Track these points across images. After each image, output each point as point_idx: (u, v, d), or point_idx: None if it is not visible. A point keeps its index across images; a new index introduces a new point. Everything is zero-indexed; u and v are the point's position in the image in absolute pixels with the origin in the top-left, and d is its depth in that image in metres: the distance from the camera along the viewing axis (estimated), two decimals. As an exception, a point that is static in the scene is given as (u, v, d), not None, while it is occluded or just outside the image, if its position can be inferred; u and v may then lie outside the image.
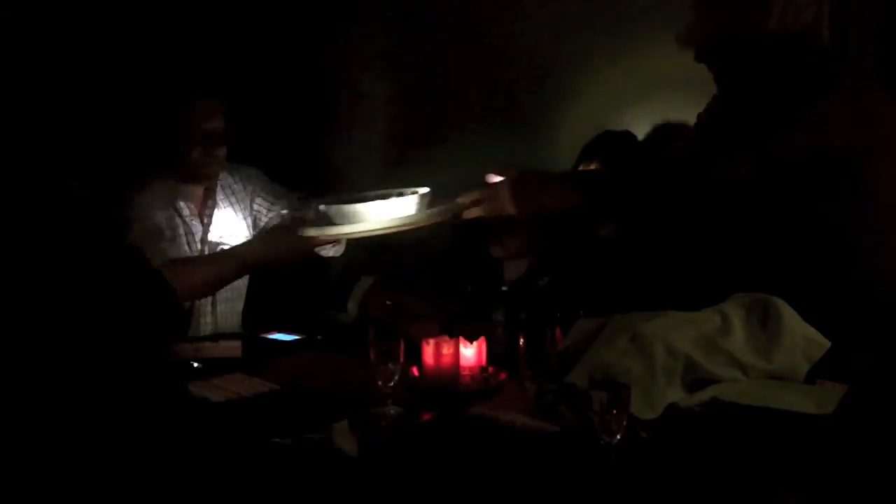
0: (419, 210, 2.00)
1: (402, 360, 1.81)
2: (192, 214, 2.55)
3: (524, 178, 2.19)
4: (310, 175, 3.43)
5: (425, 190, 2.04)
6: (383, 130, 3.50)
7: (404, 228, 1.96)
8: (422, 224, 1.96)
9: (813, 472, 1.47)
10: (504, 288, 2.49)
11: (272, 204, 2.69)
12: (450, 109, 3.34)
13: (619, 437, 1.46)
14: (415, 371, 1.96)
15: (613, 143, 2.53)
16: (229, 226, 2.62)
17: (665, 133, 2.71)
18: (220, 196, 2.62)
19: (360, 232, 1.95)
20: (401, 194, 2.04)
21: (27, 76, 2.65)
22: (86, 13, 2.90)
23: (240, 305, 2.68)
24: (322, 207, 2.06)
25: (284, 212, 2.60)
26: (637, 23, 2.88)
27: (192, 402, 1.80)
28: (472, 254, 2.55)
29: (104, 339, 1.72)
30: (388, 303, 2.44)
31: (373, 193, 2.07)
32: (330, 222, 2.03)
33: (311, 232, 2.01)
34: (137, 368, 1.74)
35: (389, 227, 1.94)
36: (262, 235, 2.53)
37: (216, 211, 2.60)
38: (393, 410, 1.76)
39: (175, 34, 3.11)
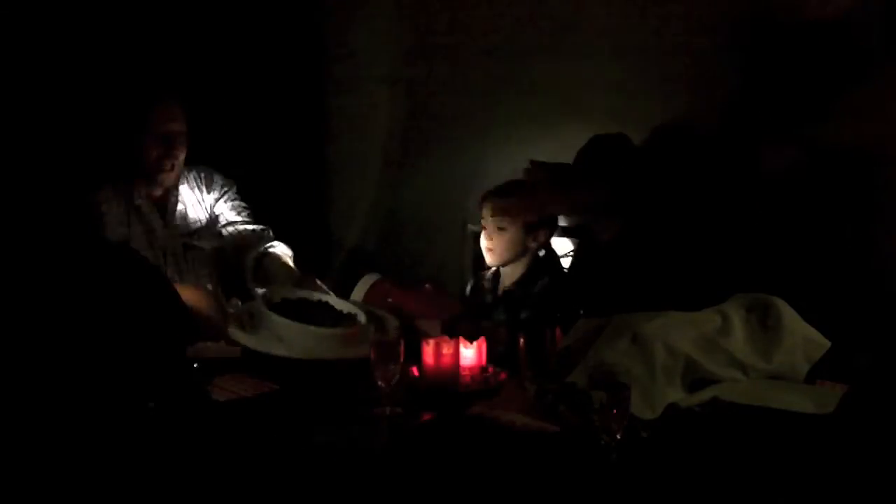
0: (348, 340, 1.98)
1: (402, 360, 1.81)
2: (150, 211, 2.60)
3: (565, 174, 2.16)
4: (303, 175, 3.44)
5: (363, 317, 2.04)
6: (382, 131, 3.50)
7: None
8: (348, 356, 1.90)
9: (813, 472, 1.47)
10: (504, 288, 2.49)
11: (229, 213, 2.71)
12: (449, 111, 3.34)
13: (619, 437, 1.46)
14: (415, 371, 1.96)
15: (608, 146, 2.53)
16: (190, 222, 2.65)
17: (666, 133, 2.70)
18: (181, 194, 2.66)
19: (281, 354, 1.90)
20: (339, 317, 2.05)
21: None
22: (52, 16, 2.92)
23: None
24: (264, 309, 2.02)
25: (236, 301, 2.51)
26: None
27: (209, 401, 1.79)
28: (474, 254, 2.55)
29: (119, 344, 1.73)
30: (389, 300, 2.45)
31: (315, 297, 2.10)
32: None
33: (238, 337, 1.95)
34: (150, 373, 1.75)
35: (313, 356, 1.92)
36: (191, 288, 2.42)
37: (178, 208, 2.64)
38: (392, 410, 1.76)
39: (139, 38, 3.12)
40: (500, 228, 2.41)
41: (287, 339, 1.96)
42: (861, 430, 1.60)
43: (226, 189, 2.73)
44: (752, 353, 1.83)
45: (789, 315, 1.85)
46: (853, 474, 1.45)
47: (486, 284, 2.57)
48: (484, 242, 2.47)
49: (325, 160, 3.64)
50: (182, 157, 2.58)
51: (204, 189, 2.70)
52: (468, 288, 2.63)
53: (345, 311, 2.07)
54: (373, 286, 2.48)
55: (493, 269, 2.54)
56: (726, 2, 2.62)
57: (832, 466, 1.48)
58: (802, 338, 1.85)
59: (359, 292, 2.47)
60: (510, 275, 2.49)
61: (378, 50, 3.43)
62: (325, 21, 3.50)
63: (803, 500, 1.41)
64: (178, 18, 3.11)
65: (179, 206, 2.64)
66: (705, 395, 1.76)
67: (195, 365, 2.01)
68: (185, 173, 2.67)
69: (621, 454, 1.46)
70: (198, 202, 2.68)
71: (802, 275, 2.04)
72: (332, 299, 2.15)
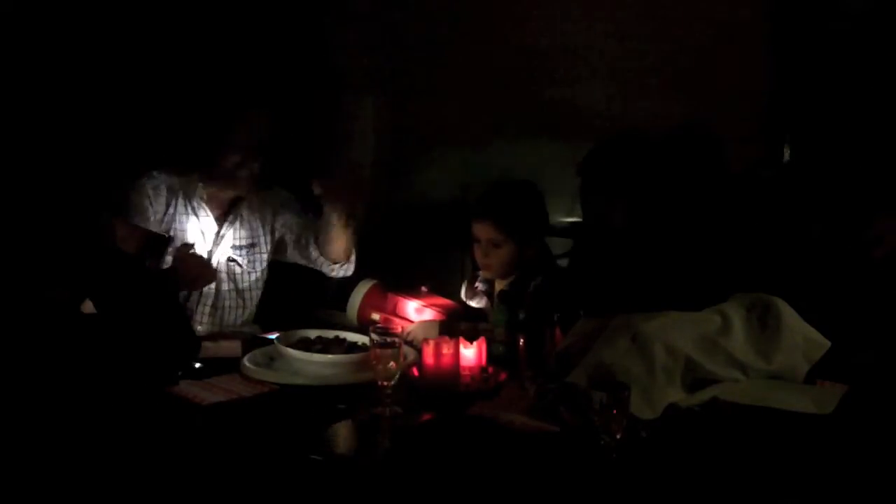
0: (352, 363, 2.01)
1: (402, 359, 1.81)
2: (206, 214, 2.54)
3: None
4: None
5: (365, 341, 2.06)
6: (380, 134, 3.50)
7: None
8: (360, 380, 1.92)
9: (813, 472, 1.47)
10: (504, 289, 2.49)
11: (295, 223, 2.68)
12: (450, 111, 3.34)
13: (619, 437, 1.46)
14: (415, 371, 1.96)
15: (619, 149, 2.52)
16: (245, 237, 2.61)
17: (684, 132, 2.68)
18: (244, 208, 2.60)
19: (298, 383, 1.94)
20: (352, 347, 2.09)
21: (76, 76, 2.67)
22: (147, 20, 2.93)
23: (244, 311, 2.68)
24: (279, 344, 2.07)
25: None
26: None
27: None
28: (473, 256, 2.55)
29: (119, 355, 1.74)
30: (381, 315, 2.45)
31: (331, 334, 2.15)
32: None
33: (257, 374, 1.97)
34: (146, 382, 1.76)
35: (328, 382, 1.95)
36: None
37: (238, 221, 2.59)
38: (392, 410, 1.76)
39: (234, 43, 3.14)
40: (495, 245, 2.41)
41: (303, 371, 1.99)
42: (861, 430, 1.61)
43: (286, 201, 2.69)
44: (752, 353, 1.83)
45: (789, 315, 1.85)
46: (853, 474, 1.45)
47: (481, 286, 2.57)
48: (479, 258, 2.48)
49: (325, 165, 3.64)
50: (257, 168, 2.50)
51: (264, 205, 2.64)
52: (463, 289, 2.64)
53: (359, 343, 2.10)
54: (370, 290, 2.48)
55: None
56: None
57: (832, 466, 1.48)
58: (802, 338, 1.85)
59: (356, 297, 2.48)
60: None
61: (376, 53, 3.43)
62: (325, 28, 3.50)
63: (803, 499, 1.41)
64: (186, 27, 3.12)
65: (241, 219, 2.59)
66: (705, 395, 1.76)
67: (197, 365, 2.03)
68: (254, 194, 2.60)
69: (621, 454, 1.46)
70: (258, 219, 2.63)
71: (802, 275, 2.04)
72: (348, 334, 2.19)
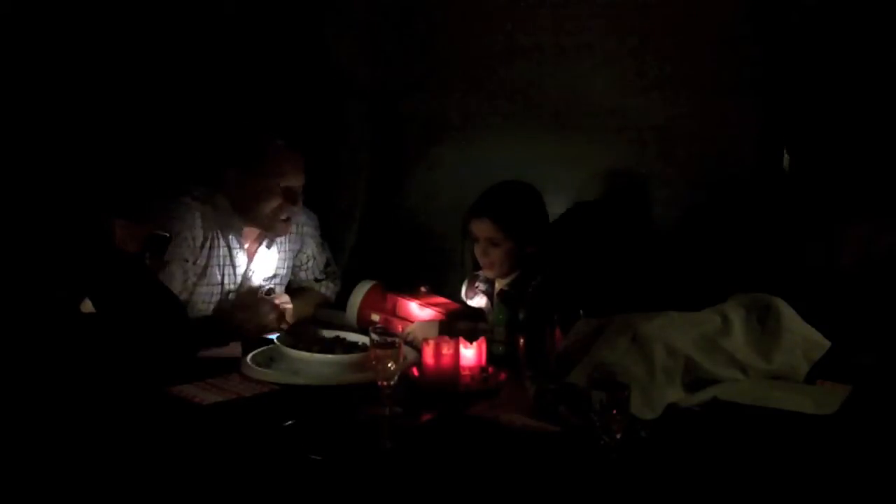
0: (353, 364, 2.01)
1: (402, 359, 1.81)
2: (239, 248, 2.54)
3: None
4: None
5: (365, 341, 2.06)
6: (380, 135, 3.49)
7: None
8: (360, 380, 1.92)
9: (813, 472, 1.47)
10: (504, 288, 2.49)
11: (310, 254, 2.72)
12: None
13: (619, 437, 1.46)
14: (415, 371, 1.96)
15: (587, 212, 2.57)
16: (269, 265, 2.62)
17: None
18: (276, 241, 2.61)
19: (299, 383, 1.94)
20: (352, 347, 2.09)
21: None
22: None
23: None
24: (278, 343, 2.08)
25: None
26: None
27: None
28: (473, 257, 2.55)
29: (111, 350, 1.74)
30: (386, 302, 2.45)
31: (331, 334, 2.16)
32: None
33: (257, 374, 1.97)
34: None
35: (328, 382, 1.95)
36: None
37: (262, 248, 2.59)
38: (392, 410, 1.75)
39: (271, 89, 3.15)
40: (494, 244, 2.41)
41: (303, 371, 2.00)
42: (861, 430, 1.61)
43: (315, 228, 2.71)
44: (752, 353, 1.83)
45: (789, 315, 1.86)
46: (853, 474, 1.45)
47: (481, 285, 2.57)
48: (479, 256, 2.48)
49: (325, 165, 3.64)
50: (297, 210, 2.53)
51: (295, 229, 2.65)
52: (463, 289, 2.63)
53: (359, 343, 2.10)
54: (370, 290, 2.48)
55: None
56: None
57: (832, 466, 1.48)
58: (802, 338, 1.85)
59: (356, 297, 2.47)
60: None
61: (376, 54, 3.43)
62: (324, 30, 3.49)
63: (803, 500, 1.41)
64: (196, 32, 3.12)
65: (265, 246, 2.60)
66: (705, 395, 1.76)
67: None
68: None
69: (621, 454, 1.46)
70: (285, 242, 2.64)
71: (803, 275, 2.04)
72: (348, 334, 2.20)
